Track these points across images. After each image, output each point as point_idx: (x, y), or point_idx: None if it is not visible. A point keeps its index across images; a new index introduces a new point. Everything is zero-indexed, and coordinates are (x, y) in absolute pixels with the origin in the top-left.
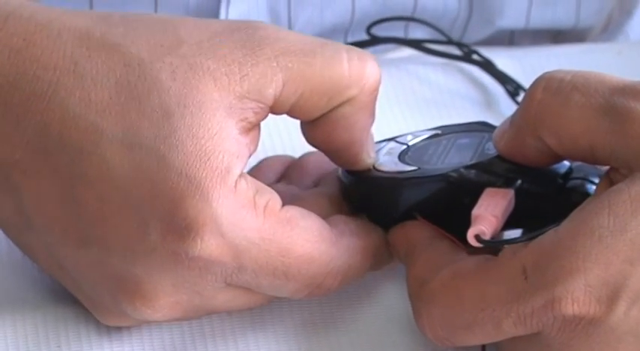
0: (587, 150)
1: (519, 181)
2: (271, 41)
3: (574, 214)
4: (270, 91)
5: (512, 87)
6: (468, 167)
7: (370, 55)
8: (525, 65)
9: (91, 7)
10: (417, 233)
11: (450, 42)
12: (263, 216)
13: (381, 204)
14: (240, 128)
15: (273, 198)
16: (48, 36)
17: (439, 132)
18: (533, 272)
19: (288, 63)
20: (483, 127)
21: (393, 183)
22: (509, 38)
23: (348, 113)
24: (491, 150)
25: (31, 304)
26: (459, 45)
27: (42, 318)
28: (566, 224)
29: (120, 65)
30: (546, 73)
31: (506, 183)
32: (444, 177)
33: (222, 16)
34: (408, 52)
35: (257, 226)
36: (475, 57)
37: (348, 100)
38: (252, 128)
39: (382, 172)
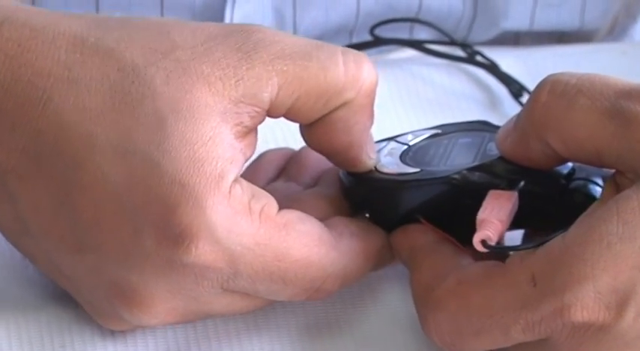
0: (593, 154)
1: (522, 183)
2: (267, 44)
3: (581, 221)
4: (266, 95)
5: (515, 88)
6: (471, 169)
7: (366, 57)
8: (530, 65)
9: (97, 7)
10: (420, 237)
11: (453, 43)
12: (259, 221)
13: (383, 206)
14: (235, 133)
15: (269, 203)
16: (43, 42)
17: (439, 131)
18: (542, 279)
19: (283, 66)
20: (483, 126)
21: (395, 185)
22: (515, 40)
23: (345, 116)
24: (493, 151)
25: (35, 306)
26: (463, 46)
27: (46, 319)
28: (574, 231)
29: (114, 71)
30: (551, 75)
31: (510, 185)
32: (447, 179)
33: (228, 16)
34: (412, 52)
35: (252, 232)
36: (479, 58)
37: (345, 103)
38: (249, 132)
39: (384, 173)
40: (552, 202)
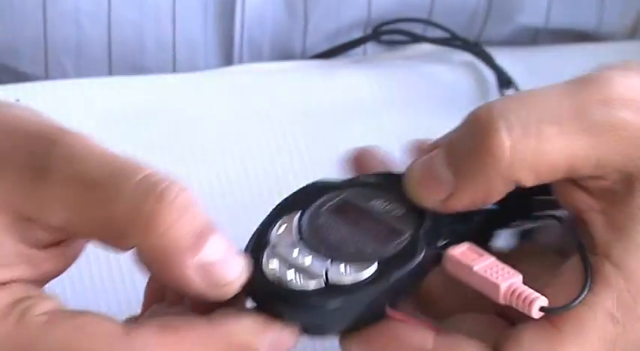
0: (564, 172)
1: (465, 226)
2: (65, 162)
3: (622, 244)
4: (60, 217)
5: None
6: (428, 247)
7: (172, 185)
8: (531, 65)
9: (110, 4)
10: (413, 337)
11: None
12: (15, 323)
13: (329, 322)
14: (27, 244)
15: (36, 303)
16: None
17: (302, 210)
18: (622, 314)
19: (72, 193)
20: (326, 189)
21: (357, 298)
22: (532, 40)
23: (149, 259)
24: (392, 210)
25: None
26: (458, 38)
27: None
28: (623, 257)
29: None
30: (483, 116)
31: (460, 238)
32: (414, 269)
33: (239, 8)
34: (418, 49)
35: (6, 334)
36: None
37: (139, 246)
38: (54, 245)
39: (333, 288)
40: (480, 223)
